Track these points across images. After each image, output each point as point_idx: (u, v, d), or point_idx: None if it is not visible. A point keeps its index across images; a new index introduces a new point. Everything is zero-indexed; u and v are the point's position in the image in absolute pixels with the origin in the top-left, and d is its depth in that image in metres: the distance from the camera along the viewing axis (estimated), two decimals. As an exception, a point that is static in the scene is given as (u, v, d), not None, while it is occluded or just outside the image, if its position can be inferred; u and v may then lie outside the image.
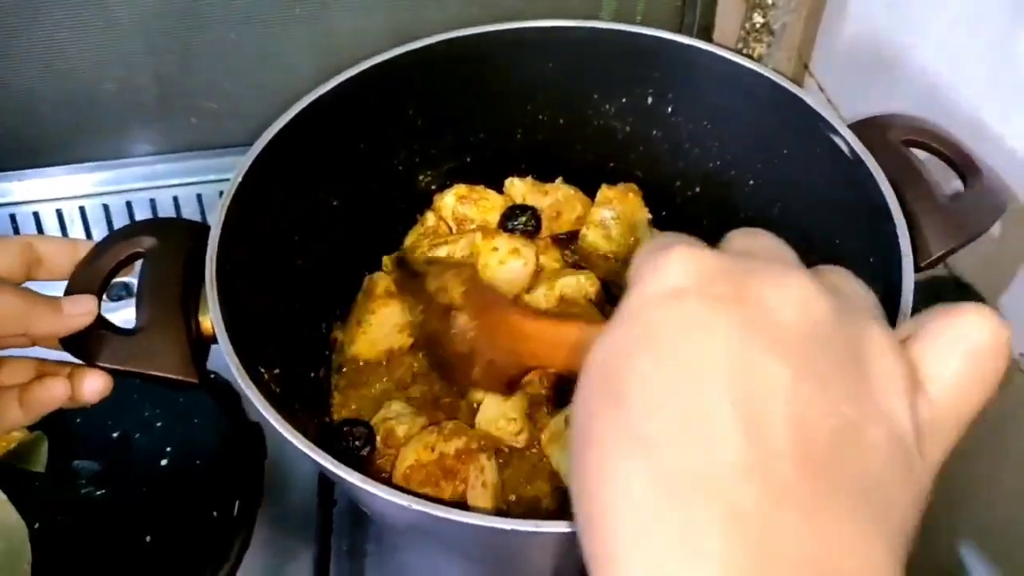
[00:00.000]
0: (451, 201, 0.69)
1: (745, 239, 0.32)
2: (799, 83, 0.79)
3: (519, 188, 0.71)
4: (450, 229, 0.70)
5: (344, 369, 0.65)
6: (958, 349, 0.28)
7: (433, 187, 0.71)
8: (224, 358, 0.47)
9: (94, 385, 0.47)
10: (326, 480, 0.67)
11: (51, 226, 0.80)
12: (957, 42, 0.61)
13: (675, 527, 0.25)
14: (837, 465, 0.25)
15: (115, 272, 0.49)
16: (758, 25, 0.74)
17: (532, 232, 0.68)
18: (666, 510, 0.25)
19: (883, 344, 0.28)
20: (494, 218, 0.70)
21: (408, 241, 0.70)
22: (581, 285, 0.65)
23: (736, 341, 0.26)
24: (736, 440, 0.25)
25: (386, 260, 0.68)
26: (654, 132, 0.69)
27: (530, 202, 0.71)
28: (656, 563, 0.25)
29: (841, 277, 0.32)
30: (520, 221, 0.68)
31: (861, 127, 0.56)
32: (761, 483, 0.25)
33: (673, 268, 0.28)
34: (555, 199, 0.70)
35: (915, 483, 0.27)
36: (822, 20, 0.76)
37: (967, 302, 0.30)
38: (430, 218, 0.70)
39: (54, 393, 0.46)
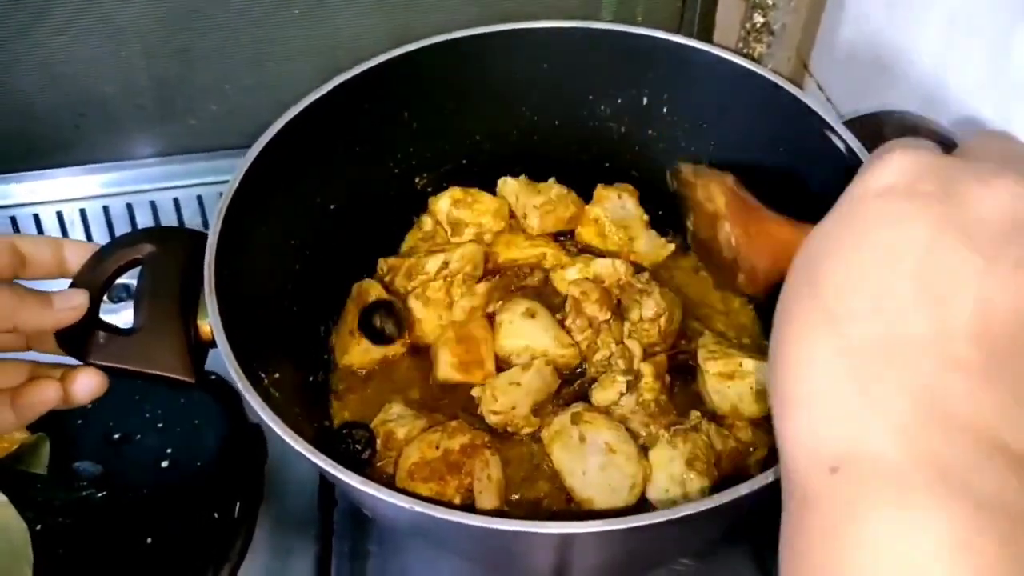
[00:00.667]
0: (445, 205, 0.69)
1: (979, 142, 0.33)
2: (799, 83, 0.79)
3: (512, 187, 0.71)
4: (446, 232, 0.70)
5: (342, 373, 0.65)
6: None
7: (430, 189, 0.71)
8: (223, 363, 0.47)
9: (87, 384, 0.47)
10: (327, 482, 0.67)
11: (51, 228, 0.80)
12: (956, 41, 0.61)
13: (855, 389, 0.27)
14: (1013, 348, 0.27)
15: (114, 278, 0.49)
16: (758, 25, 0.74)
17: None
18: (849, 373, 0.28)
19: None
20: (488, 222, 0.70)
21: (405, 245, 0.71)
22: (616, 269, 0.66)
23: (933, 232, 0.28)
24: (920, 316, 0.27)
25: (381, 263, 0.68)
26: (649, 132, 0.69)
27: (522, 201, 0.71)
28: (838, 412, 0.28)
29: None
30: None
31: (856, 124, 0.57)
32: (938, 355, 0.27)
33: (889, 168, 0.30)
34: (548, 198, 0.70)
35: None
36: (822, 20, 0.76)
37: None
38: (426, 222, 0.71)
39: (46, 395, 0.47)
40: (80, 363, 0.48)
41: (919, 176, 0.30)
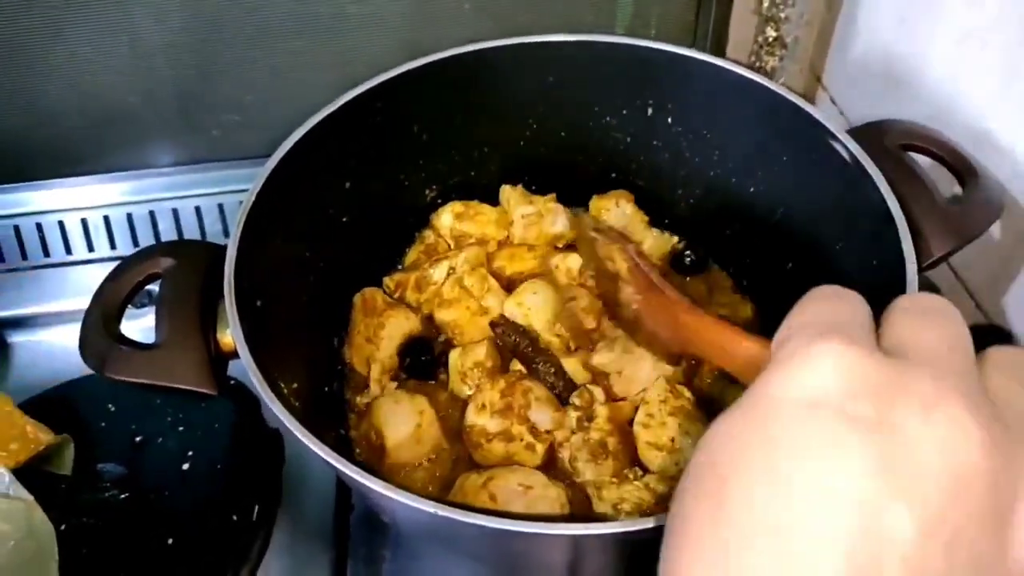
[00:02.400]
0: (448, 219, 0.71)
1: (912, 324, 0.28)
2: (811, 96, 0.80)
3: (508, 194, 0.72)
4: (449, 246, 0.71)
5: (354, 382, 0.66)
6: None
7: (439, 201, 0.73)
8: (244, 367, 0.48)
9: None
10: (343, 486, 0.68)
11: (76, 235, 0.82)
12: (967, 56, 0.61)
13: None
14: None
15: (134, 293, 0.51)
16: (771, 39, 0.74)
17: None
18: None
19: None
20: (492, 231, 0.71)
21: (408, 259, 0.72)
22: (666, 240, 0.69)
23: (864, 478, 0.24)
24: None
25: (387, 281, 0.69)
26: (655, 142, 0.70)
27: (513, 208, 0.71)
28: None
29: (1012, 381, 0.27)
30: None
31: (860, 133, 0.57)
32: None
33: (816, 369, 0.26)
34: (536, 210, 0.71)
35: None
36: (834, 34, 0.77)
37: None
38: (429, 236, 0.72)
39: None
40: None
41: (853, 392, 0.25)
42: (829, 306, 0.29)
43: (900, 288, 0.49)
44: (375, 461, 0.60)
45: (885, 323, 0.29)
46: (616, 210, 0.71)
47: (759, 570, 0.24)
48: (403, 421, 0.59)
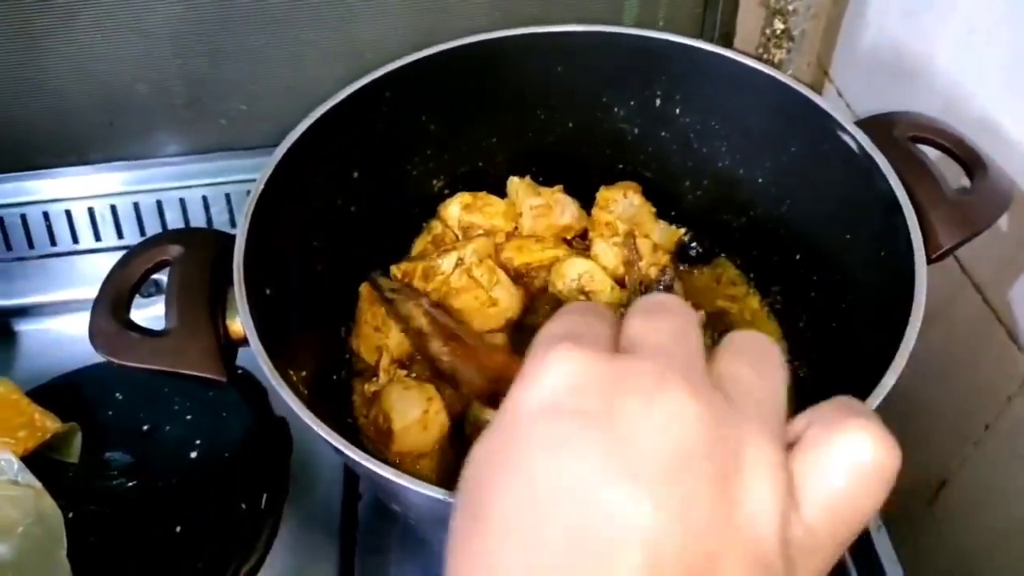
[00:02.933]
0: (456, 210, 0.71)
1: (639, 323, 0.30)
2: (819, 89, 0.80)
3: (515, 186, 0.72)
4: (456, 237, 0.71)
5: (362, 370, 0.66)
6: (841, 467, 0.27)
7: (446, 192, 0.73)
8: (252, 356, 0.48)
9: None
10: (351, 475, 0.68)
11: (83, 223, 0.83)
12: (974, 50, 0.61)
13: None
14: None
15: (143, 280, 0.51)
16: (778, 31, 0.75)
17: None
18: None
19: (761, 456, 0.26)
20: (500, 223, 0.71)
21: (416, 249, 0.72)
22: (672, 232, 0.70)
23: (594, 469, 0.25)
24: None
25: (394, 269, 0.69)
26: (663, 133, 0.70)
27: (521, 200, 0.71)
28: None
29: (742, 362, 0.29)
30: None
31: (868, 124, 0.57)
32: None
33: (549, 376, 0.27)
34: (544, 201, 0.71)
35: None
36: (842, 27, 0.77)
37: (857, 410, 0.28)
38: (436, 226, 0.72)
39: None
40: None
41: (582, 390, 0.26)
42: (568, 319, 0.30)
43: (909, 279, 0.49)
44: (382, 447, 0.60)
45: (622, 325, 0.30)
46: (624, 201, 0.71)
47: (512, 565, 0.25)
48: (411, 407, 0.59)
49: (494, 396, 0.55)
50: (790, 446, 0.28)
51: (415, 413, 0.59)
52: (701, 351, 0.29)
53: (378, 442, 0.60)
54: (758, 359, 0.30)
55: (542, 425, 0.26)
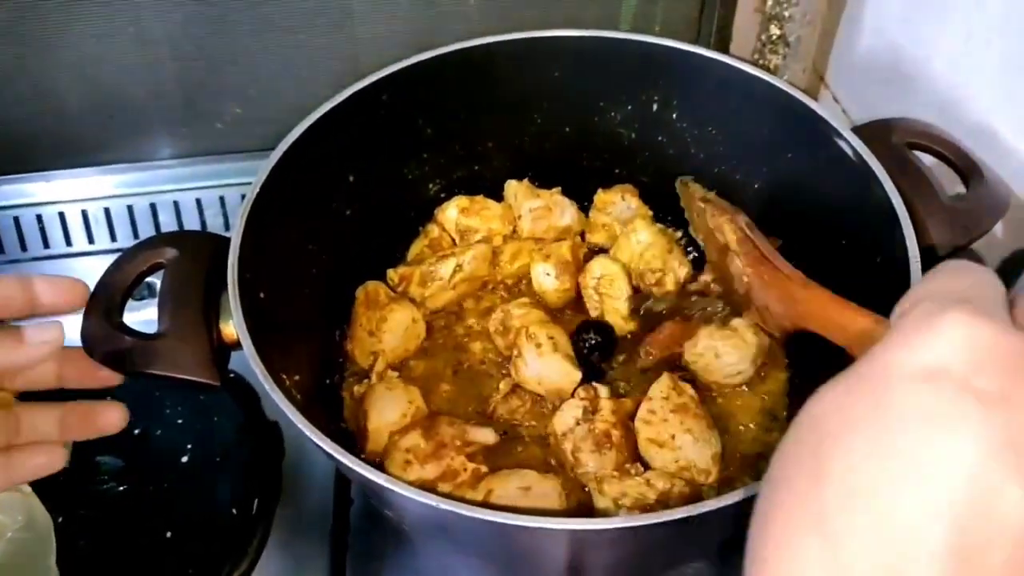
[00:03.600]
0: (453, 213, 0.70)
1: None
2: (814, 94, 0.80)
3: (513, 189, 0.72)
4: (453, 241, 0.71)
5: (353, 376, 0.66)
6: None
7: (442, 195, 0.72)
8: (244, 360, 0.48)
9: (113, 420, 0.48)
10: (342, 481, 0.68)
11: (76, 226, 0.82)
12: (972, 56, 0.61)
13: None
14: None
15: (137, 283, 0.51)
16: (774, 37, 0.75)
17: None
18: None
19: None
20: (497, 226, 0.71)
21: (412, 253, 0.71)
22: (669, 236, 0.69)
23: (980, 452, 0.23)
24: (936, 568, 0.22)
25: (391, 273, 0.69)
26: (660, 138, 0.70)
27: (520, 202, 0.71)
28: None
29: None
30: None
31: (865, 131, 0.58)
32: None
33: (941, 339, 0.25)
34: (543, 203, 0.71)
35: None
36: (838, 33, 0.77)
37: None
38: (433, 230, 0.71)
39: (36, 462, 0.46)
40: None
41: (979, 365, 0.24)
42: (959, 279, 0.28)
43: (904, 286, 0.49)
44: (357, 447, 0.60)
45: (1018, 302, 0.28)
46: (621, 204, 0.71)
47: (858, 535, 0.23)
48: (391, 408, 0.59)
49: (785, 331, 0.54)
50: None
51: (393, 416, 0.59)
52: None
53: (356, 442, 0.60)
54: None
55: (925, 392, 0.24)
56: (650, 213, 0.72)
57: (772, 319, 0.55)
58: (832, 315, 0.44)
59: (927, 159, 0.57)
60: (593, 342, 0.64)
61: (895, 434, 0.24)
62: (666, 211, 0.72)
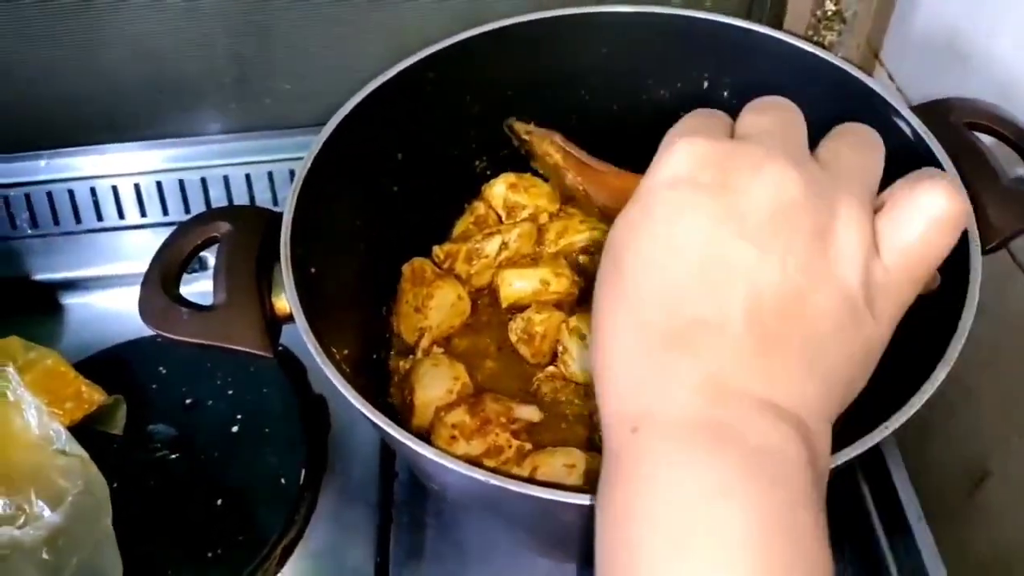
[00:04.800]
0: (501, 190, 0.70)
1: (753, 117, 0.37)
2: (868, 72, 0.78)
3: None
4: (499, 218, 0.71)
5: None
6: (917, 218, 0.33)
7: (488, 172, 0.72)
8: (293, 333, 0.49)
9: None
10: (387, 454, 0.69)
11: (129, 199, 0.84)
12: (1035, 33, 0.60)
13: (651, 363, 0.32)
14: (784, 324, 0.31)
15: (193, 255, 0.52)
16: (829, 13, 0.73)
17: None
18: (645, 350, 0.32)
19: (850, 215, 0.33)
20: (544, 203, 0.70)
21: (458, 230, 0.71)
22: None
23: (711, 224, 0.32)
24: (699, 303, 0.32)
25: (436, 250, 0.69)
26: (709, 116, 0.69)
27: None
28: (637, 383, 0.32)
29: (841, 143, 0.37)
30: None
31: (923, 110, 0.56)
32: (717, 334, 0.31)
33: (675, 159, 0.34)
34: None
35: (862, 338, 0.33)
36: (895, 9, 0.75)
37: (929, 171, 0.35)
38: (479, 207, 0.71)
39: None
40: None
41: (700, 166, 0.33)
42: (695, 120, 0.37)
43: (963, 269, 0.48)
44: (403, 421, 0.60)
45: (736, 122, 0.37)
46: None
47: (648, 294, 0.33)
48: (437, 383, 0.59)
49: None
50: (877, 211, 0.34)
51: (438, 391, 0.59)
52: (804, 138, 0.37)
53: (401, 416, 0.61)
54: (857, 140, 0.38)
55: (667, 194, 0.34)
56: None
57: (612, 213, 0.59)
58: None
59: (987, 140, 0.55)
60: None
61: (660, 224, 0.33)
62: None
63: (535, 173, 0.72)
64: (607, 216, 0.63)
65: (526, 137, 0.69)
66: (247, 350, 0.49)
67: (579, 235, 0.68)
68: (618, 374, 0.33)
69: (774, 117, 0.37)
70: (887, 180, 0.57)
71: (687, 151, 0.34)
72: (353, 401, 0.46)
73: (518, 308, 0.65)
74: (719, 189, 0.32)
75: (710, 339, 0.31)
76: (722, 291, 0.31)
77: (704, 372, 0.31)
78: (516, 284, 0.65)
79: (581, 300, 0.66)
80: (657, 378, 0.32)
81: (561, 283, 0.65)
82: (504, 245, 0.67)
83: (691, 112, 0.39)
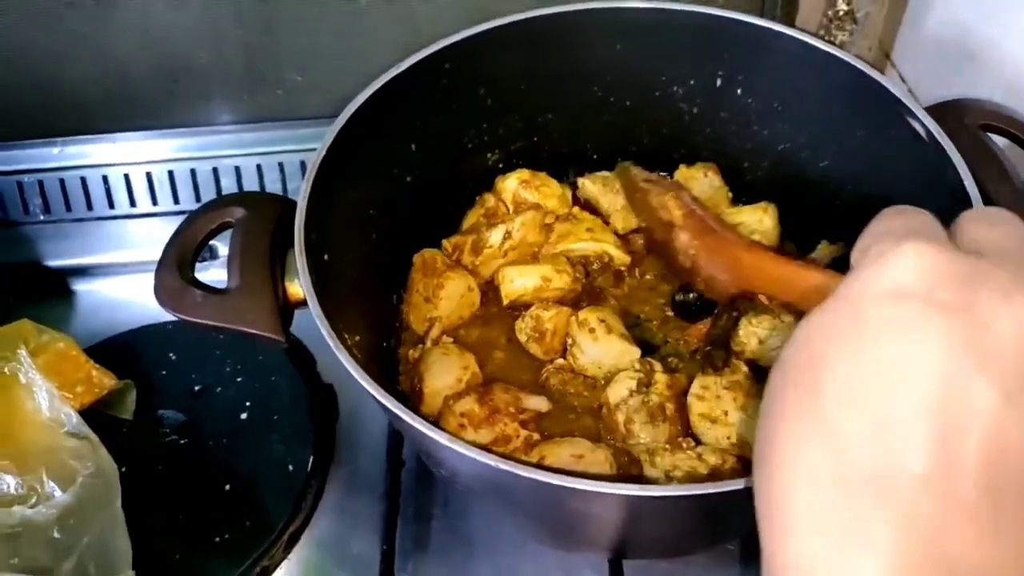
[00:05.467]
0: (513, 184, 0.70)
1: (983, 229, 0.31)
2: (880, 72, 0.78)
3: (591, 190, 0.71)
4: (508, 211, 0.71)
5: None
6: None
7: (500, 166, 0.73)
8: (302, 322, 0.50)
9: None
10: (395, 442, 0.69)
11: (140, 188, 0.84)
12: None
13: (847, 517, 0.26)
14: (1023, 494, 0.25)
15: (208, 240, 0.52)
16: (841, 13, 0.73)
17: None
18: (842, 501, 0.27)
19: None
20: (554, 205, 0.70)
21: (467, 222, 0.72)
22: (760, 220, 0.68)
23: (949, 354, 0.26)
24: (924, 452, 0.26)
25: (445, 243, 0.69)
26: (722, 113, 0.69)
27: (607, 200, 0.70)
28: (825, 546, 0.27)
29: None
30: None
31: (938, 111, 0.56)
32: (940, 496, 0.25)
33: (902, 265, 0.28)
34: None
35: None
36: (906, 10, 0.75)
37: None
38: (489, 199, 0.71)
39: None
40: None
41: (937, 282, 0.28)
42: (904, 218, 0.32)
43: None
44: (411, 409, 0.60)
45: (957, 230, 0.32)
46: (704, 180, 0.70)
47: (854, 432, 0.27)
48: (446, 372, 0.60)
49: (731, 296, 0.57)
50: None
51: (447, 380, 0.60)
52: None
53: (410, 404, 0.61)
54: None
55: (894, 308, 0.28)
56: (731, 194, 0.71)
57: (718, 286, 0.58)
58: (779, 274, 0.47)
59: (1000, 141, 0.55)
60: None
61: (878, 343, 0.27)
62: (727, 187, 0.72)
63: (545, 167, 0.72)
64: (711, 287, 0.58)
65: (644, 185, 0.65)
66: (260, 333, 0.49)
67: (580, 243, 0.68)
68: (801, 524, 0.27)
69: (1007, 233, 0.31)
70: (905, 178, 0.58)
71: (915, 260, 0.28)
72: (365, 385, 0.47)
73: (519, 305, 0.66)
74: (960, 310, 0.27)
75: (931, 500, 0.25)
76: (954, 440, 0.25)
77: (917, 540, 0.25)
78: (517, 281, 0.65)
79: (583, 298, 0.66)
80: (855, 541, 0.26)
81: (563, 279, 0.65)
82: (508, 234, 0.67)
83: (891, 207, 0.33)
